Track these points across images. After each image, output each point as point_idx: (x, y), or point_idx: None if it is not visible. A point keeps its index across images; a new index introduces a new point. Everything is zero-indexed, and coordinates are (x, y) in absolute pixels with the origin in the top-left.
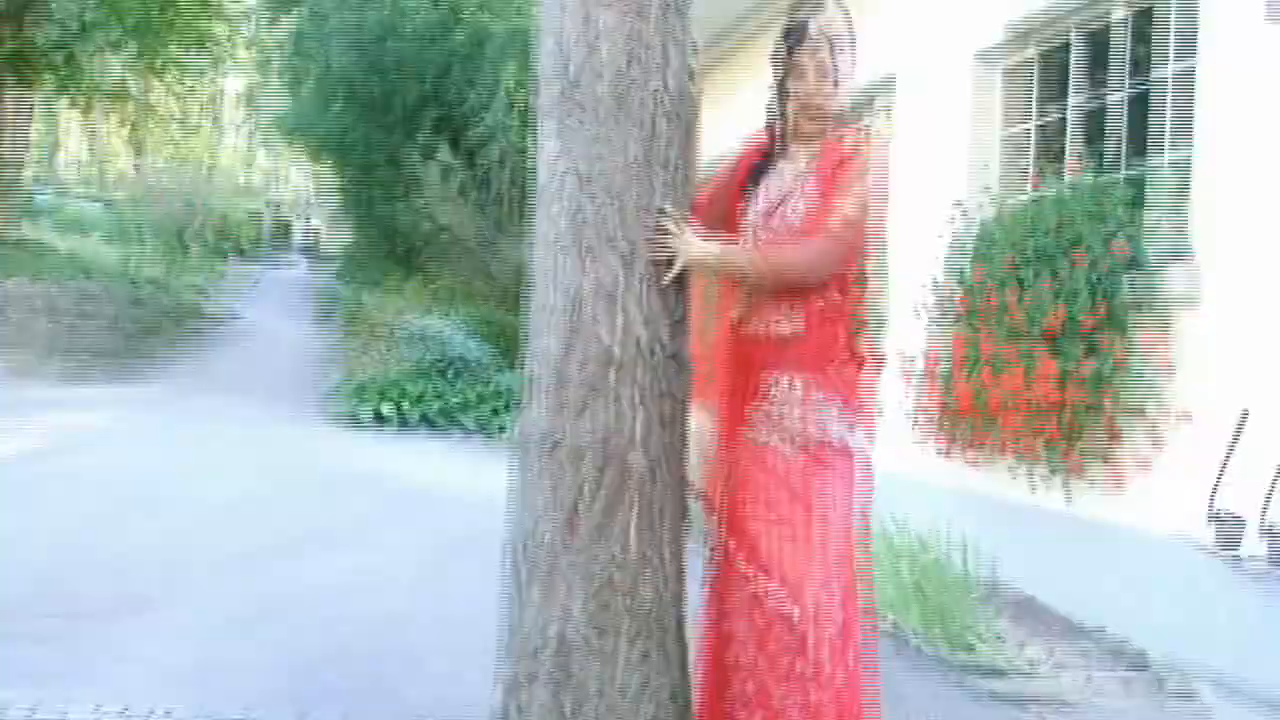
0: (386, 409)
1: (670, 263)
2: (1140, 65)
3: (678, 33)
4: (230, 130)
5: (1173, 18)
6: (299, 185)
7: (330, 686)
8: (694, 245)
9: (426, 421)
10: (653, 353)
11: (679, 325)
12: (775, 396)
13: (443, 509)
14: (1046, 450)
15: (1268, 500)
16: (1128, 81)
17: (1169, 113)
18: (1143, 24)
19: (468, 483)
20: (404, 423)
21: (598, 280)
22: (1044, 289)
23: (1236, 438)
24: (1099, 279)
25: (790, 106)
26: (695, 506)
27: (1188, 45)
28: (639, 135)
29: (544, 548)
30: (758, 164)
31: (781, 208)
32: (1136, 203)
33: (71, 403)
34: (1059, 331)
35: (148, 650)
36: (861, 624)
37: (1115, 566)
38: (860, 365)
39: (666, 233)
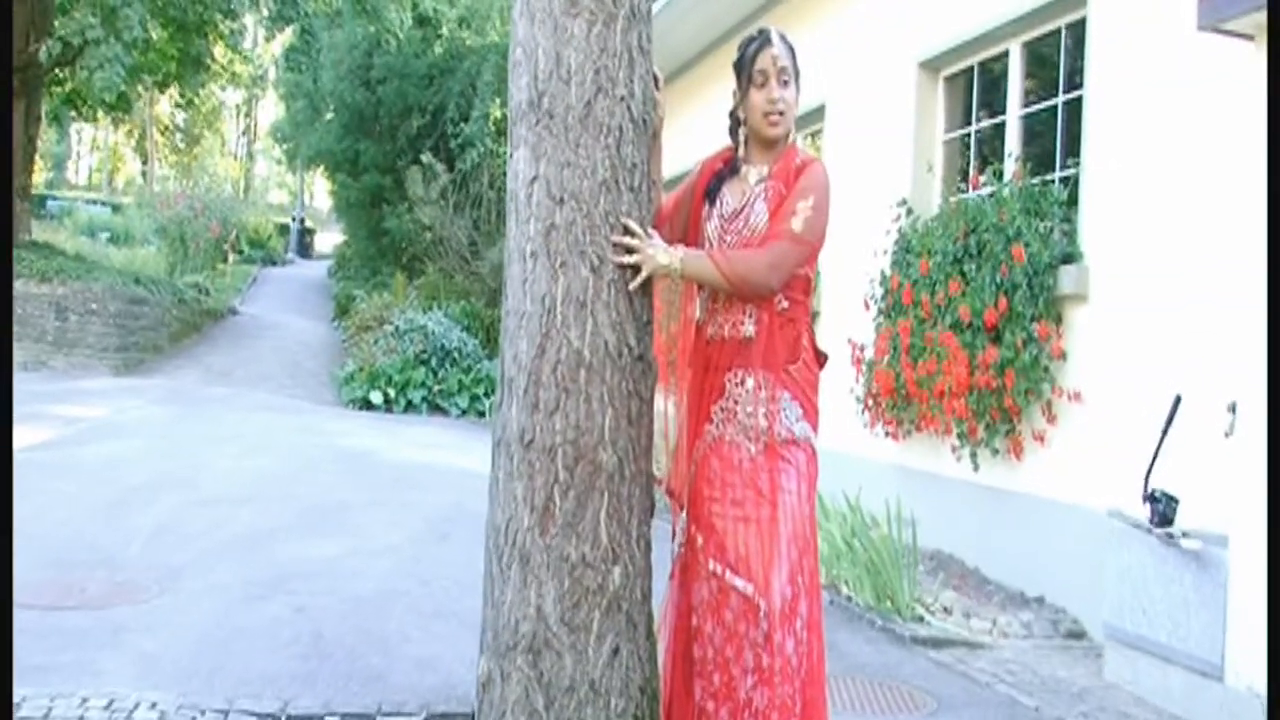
0: (376, 396)
1: (637, 270)
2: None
3: (643, 40)
4: (231, 139)
5: (1062, 54)
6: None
7: (313, 672)
8: (659, 253)
9: (412, 407)
10: (620, 355)
11: (645, 328)
12: (739, 396)
13: (428, 489)
14: (987, 431)
15: (1150, 469)
16: (1056, 95)
17: (1061, 131)
18: (1052, 49)
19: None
20: (409, 406)
21: (568, 287)
22: (985, 282)
23: (1170, 421)
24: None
25: (751, 113)
26: (661, 500)
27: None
28: (607, 143)
29: (518, 542)
30: (719, 171)
31: (744, 212)
32: (1033, 211)
33: (115, 393)
34: (996, 322)
35: (138, 641)
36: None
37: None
38: (822, 364)
39: (633, 242)
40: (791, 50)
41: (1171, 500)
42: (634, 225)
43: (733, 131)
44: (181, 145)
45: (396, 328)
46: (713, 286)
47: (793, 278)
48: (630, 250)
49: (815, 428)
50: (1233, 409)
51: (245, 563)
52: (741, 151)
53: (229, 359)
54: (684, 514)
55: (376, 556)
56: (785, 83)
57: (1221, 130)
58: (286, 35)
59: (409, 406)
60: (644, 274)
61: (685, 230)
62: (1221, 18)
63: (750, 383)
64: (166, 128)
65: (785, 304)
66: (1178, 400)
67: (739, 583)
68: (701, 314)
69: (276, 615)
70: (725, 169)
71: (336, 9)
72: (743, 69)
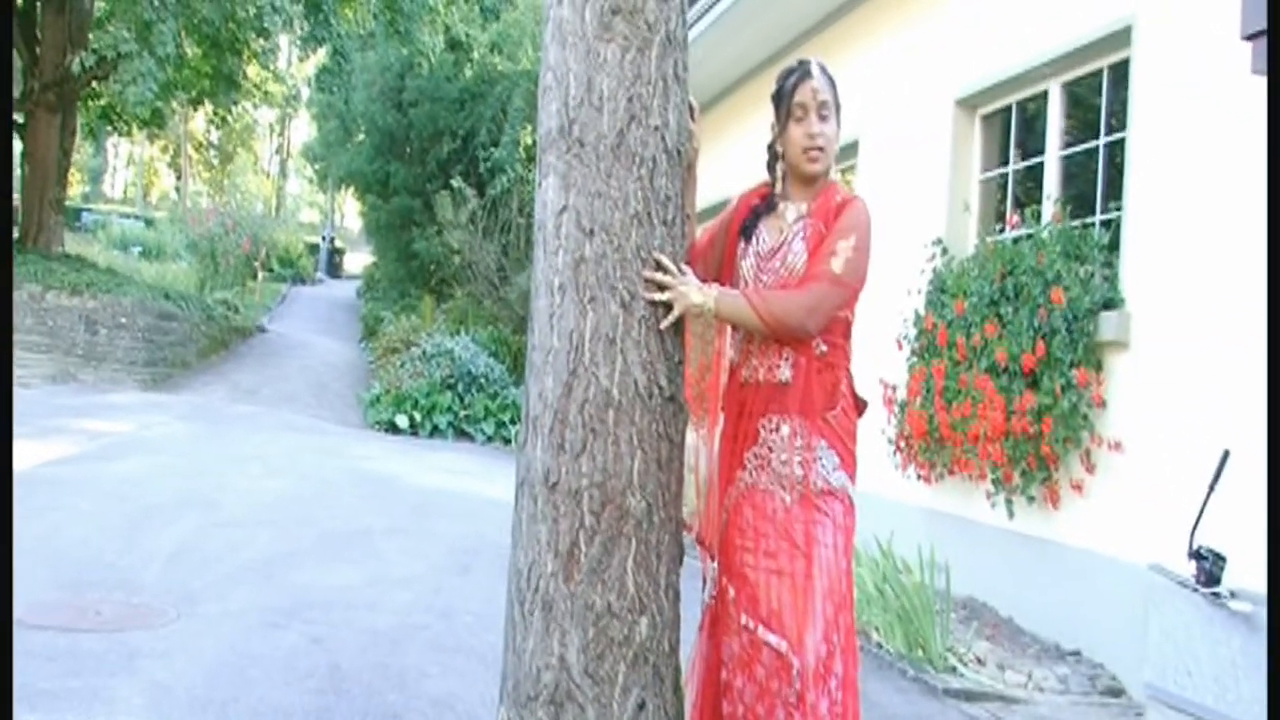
0: (401, 420)
1: (668, 308)
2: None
3: (679, 68)
4: (264, 157)
5: (1104, 94)
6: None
7: (329, 708)
8: (693, 291)
9: (438, 431)
10: (651, 396)
11: (676, 368)
12: (774, 443)
13: (452, 518)
14: (1023, 478)
15: (1195, 525)
16: (1099, 136)
17: (1102, 173)
18: (1096, 87)
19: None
20: (435, 431)
21: (597, 323)
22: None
23: (1217, 477)
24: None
25: (790, 148)
26: (691, 547)
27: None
28: (639, 174)
29: (541, 588)
30: (756, 207)
31: (781, 251)
32: (1073, 255)
33: (141, 408)
34: (1034, 367)
35: (151, 668)
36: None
37: (1054, 577)
38: (861, 411)
39: (666, 278)
40: (832, 83)
41: (1219, 559)
42: (666, 261)
43: (770, 166)
44: (215, 162)
45: (424, 351)
46: (747, 328)
47: (832, 321)
48: (662, 287)
49: (853, 478)
50: None
51: (263, 588)
52: (779, 187)
53: (256, 377)
54: (714, 564)
55: (396, 587)
56: (825, 117)
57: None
58: (319, 55)
59: (434, 431)
60: (676, 312)
61: (719, 268)
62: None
63: (785, 430)
64: (201, 144)
65: (824, 348)
66: (1225, 455)
67: (772, 639)
68: (735, 356)
69: (293, 645)
70: (762, 205)
71: (369, 31)
72: (781, 101)
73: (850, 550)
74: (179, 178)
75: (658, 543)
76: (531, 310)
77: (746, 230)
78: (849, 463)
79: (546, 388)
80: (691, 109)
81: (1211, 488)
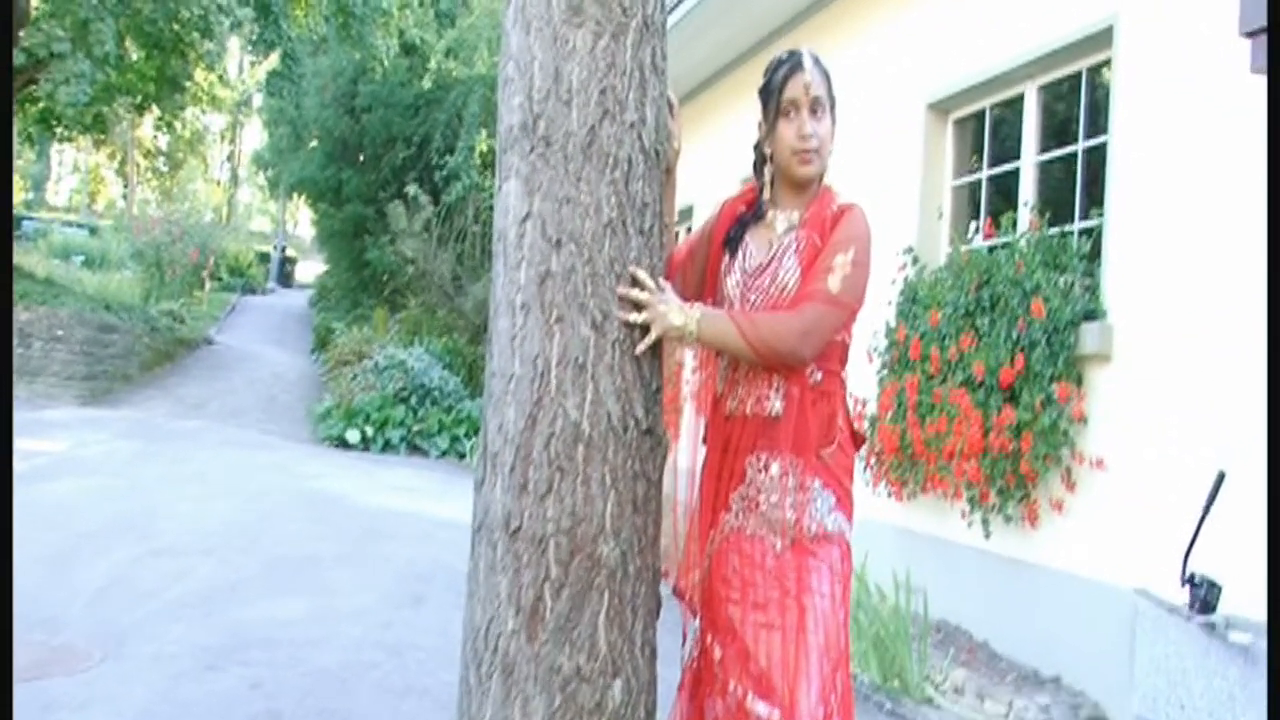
0: (353, 435)
1: (645, 329)
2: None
3: (657, 58)
4: (215, 164)
5: (1083, 103)
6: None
7: None
8: (673, 311)
9: (390, 446)
10: (626, 429)
11: (654, 397)
12: (762, 483)
13: (404, 540)
14: (1000, 497)
15: (1189, 550)
16: (1079, 139)
17: (1081, 180)
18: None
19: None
20: (387, 446)
21: (565, 347)
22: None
23: (1212, 499)
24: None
25: (779, 149)
26: (670, 599)
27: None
28: (613, 176)
29: (501, 648)
30: (741, 216)
31: (771, 266)
32: (1052, 264)
33: (78, 425)
34: (1012, 381)
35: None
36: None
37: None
38: (859, 446)
39: (643, 296)
40: (826, 76)
41: (1214, 586)
42: (644, 276)
43: (757, 169)
44: (164, 169)
45: (376, 363)
46: (733, 354)
47: (828, 345)
48: (639, 306)
49: (851, 519)
50: None
51: (200, 625)
52: (767, 193)
53: (201, 390)
54: (696, 620)
55: (344, 620)
56: (819, 114)
57: (1263, 181)
58: (272, 60)
59: (387, 446)
60: (654, 334)
61: (700, 284)
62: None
63: (776, 468)
64: (149, 151)
65: (819, 376)
66: (1221, 477)
67: (761, 708)
68: (720, 386)
69: (230, 690)
70: (749, 213)
71: (322, 36)
72: (770, 97)
73: (848, 599)
74: (126, 185)
75: (633, 595)
76: (490, 332)
77: (731, 242)
78: (846, 503)
79: (507, 420)
80: (670, 104)
81: (1206, 511)
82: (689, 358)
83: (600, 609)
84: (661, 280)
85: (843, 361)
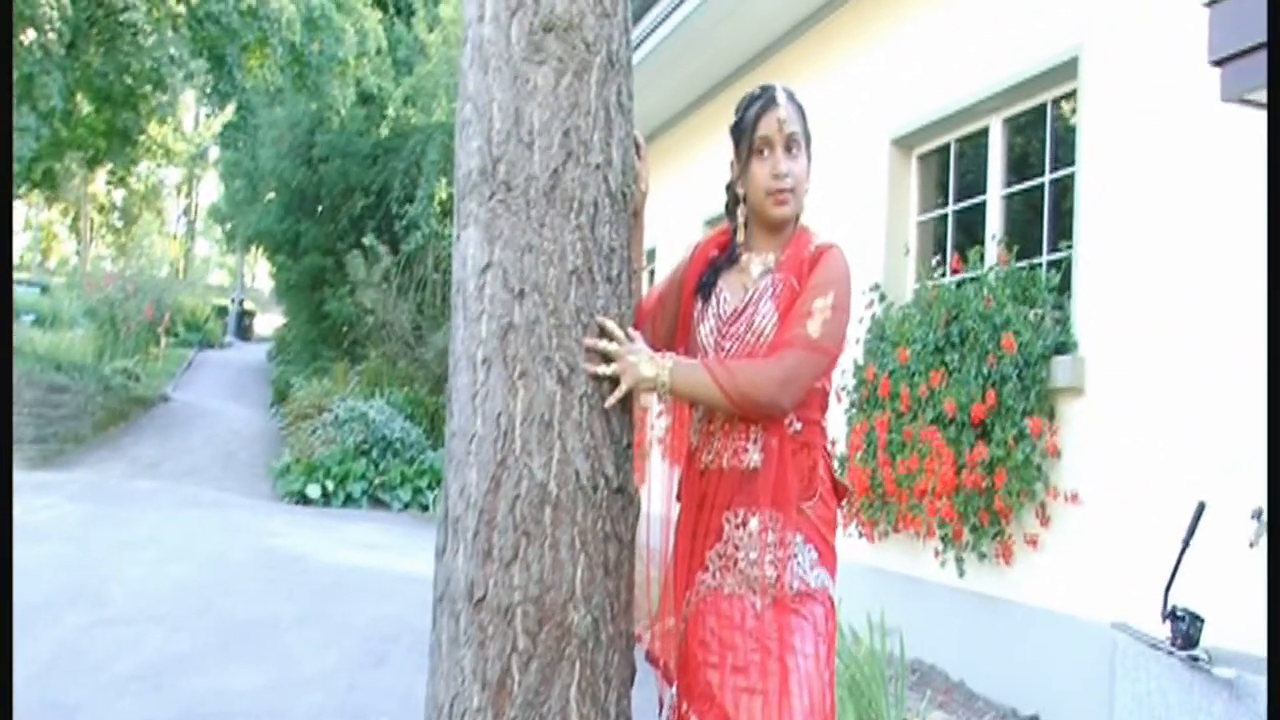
0: (313, 490)
1: (615, 382)
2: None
3: (623, 96)
4: (171, 219)
5: (1049, 136)
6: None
7: None
8: (643, 362)
9: (352, 500)
10: (595, 488)
11: (625, 454)
12: (740, 539)
13: (365, 596)
14: (974, 534)
15: (1170, 583)
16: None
17: (1049, 212)
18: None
19: (386, 567)
20: (348, 500)
21: (530, 403)
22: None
23: (1192, 531)
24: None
25: (753, 190)
26: (643, 664)
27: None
28: (578, 221)
29: None
30: (714, 260)
31: (746, 312)
32: (1021, 298)
33: (27, 489)
34: (984, 417)
35: None
36: None
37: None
38: (842, 498)
39: (611, 347)
40: (801, 111)
41: (1196, 619)
42: (612, 326)
43: (730, 210)
44: (119, 224)
45: (336, 416)
46: (708, 405)
47: (808, 393)
48: (608, 357)
49: (834, 574)
50: (1258, 516)
51: (151, 699)
52: (741, 235)
53: (157, 450)
54: (673, 689)
55: (304, 687)
56: (794, 152)
57: (1235, 208)
58: (228, 112)
59: (348, 500)
60: (624, 387)
61: (671, 332)
62: (1249, 87)
63: (755, 524)
64: (103, 206)
65: (798, 426)
66: (1201, 507)
67: None
68: (694, 439)
69: None
70: (722, 257)
71: (278, 86)
72: (742, 135)
73: (834, 659)
74: (80, 242)
75: (606, 665)
76: (450, 389)
77: (704, 288)
78: (829, 558)
79: (469, 482)
80: (637, 145)
81: (1186, 543)
82: (654, 402)
83: (571, 681)
84: (631, 330)
85: (823, 409)
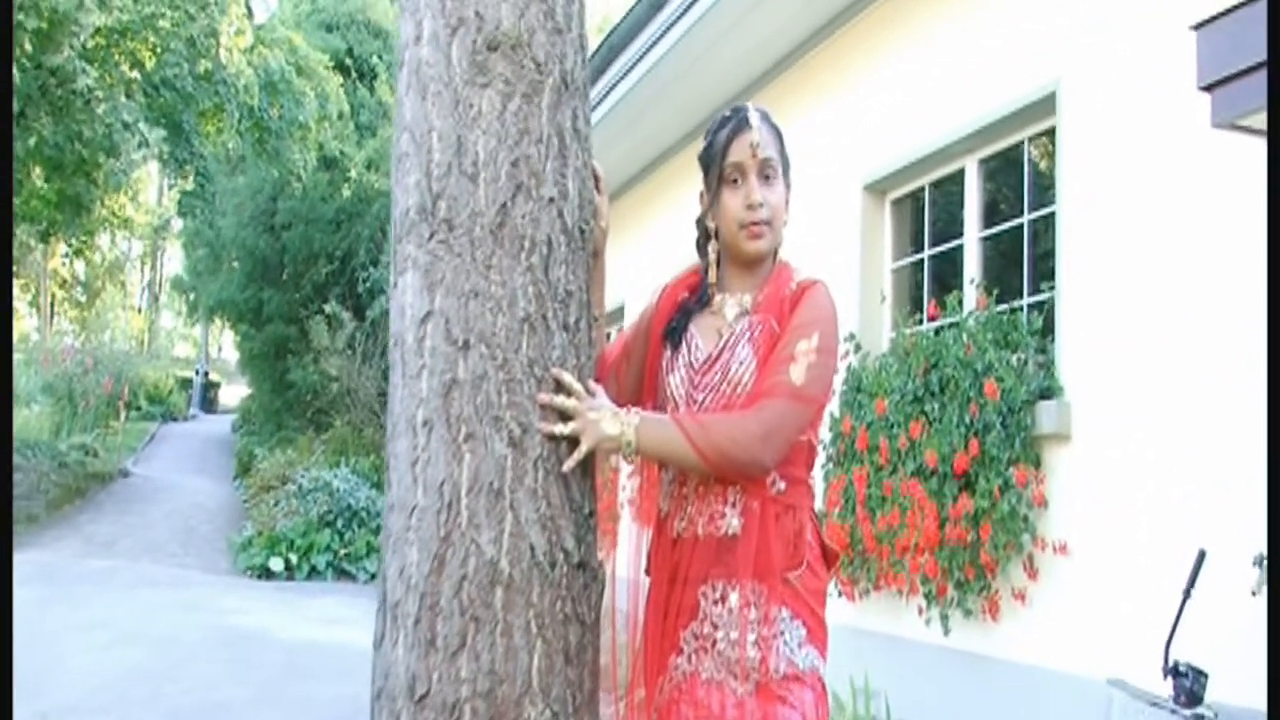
0: (276, 563)
1: (574, 442)
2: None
3: (578, 121)
4: (136, 291)
5: (1027, 172)
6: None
7: None
8: (605, 419)
9: (316, 573)
10: (554, 564)
11: (586, 523)
12: (719, 617)
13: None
14: (959, 590)
15: (1170, 637)
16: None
17: (1028, 253)
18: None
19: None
20: (313, 572)
21: (477, 470)
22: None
23: (1193, 581)
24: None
25: (724, 222)
26: None
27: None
28: (529, 262)
29: None
30: (684, 302)
31: (721, 359)
32: (1003, 343)
33: None
34: (967, 467)
35: None
36: None
37: (996, 696)
38: (831, 564)
39: (569, 403)
40: (777, 134)
41: (1200, 674)
42: (569, 379)
43: (701, 246)
44: (82, 299)
45: (300, 487)
46: (680, 466)
47: (792, 448)
48: (565, 415)
49: (824, 652)
50: (1259, 562)
51: None
52: (713, 274)
53: (114, 527)
54: None
55: None
56: (770, 179)
57: (1224, 242)
58: (187, 181)
59: (312, 573)
60: (584, 448)
61: (638, 385)
62: (1240, 112)
63: (735, 599)
64: (65, 281)
65: (782, 485)
66: (1201, 556)
67: None
68: (664, 504)
69: None
70: (693, 300)
71: (240, 155)
72: (711, 162)
73: None
74: (40, 317)
75: None
76: (388, 456)
77: (673, 334)
78: (819, 634)
79: (410, 562)
80: (596, 176)
81: (1187, 593)
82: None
83: None
84: (591, 383)
85: (809, 466)
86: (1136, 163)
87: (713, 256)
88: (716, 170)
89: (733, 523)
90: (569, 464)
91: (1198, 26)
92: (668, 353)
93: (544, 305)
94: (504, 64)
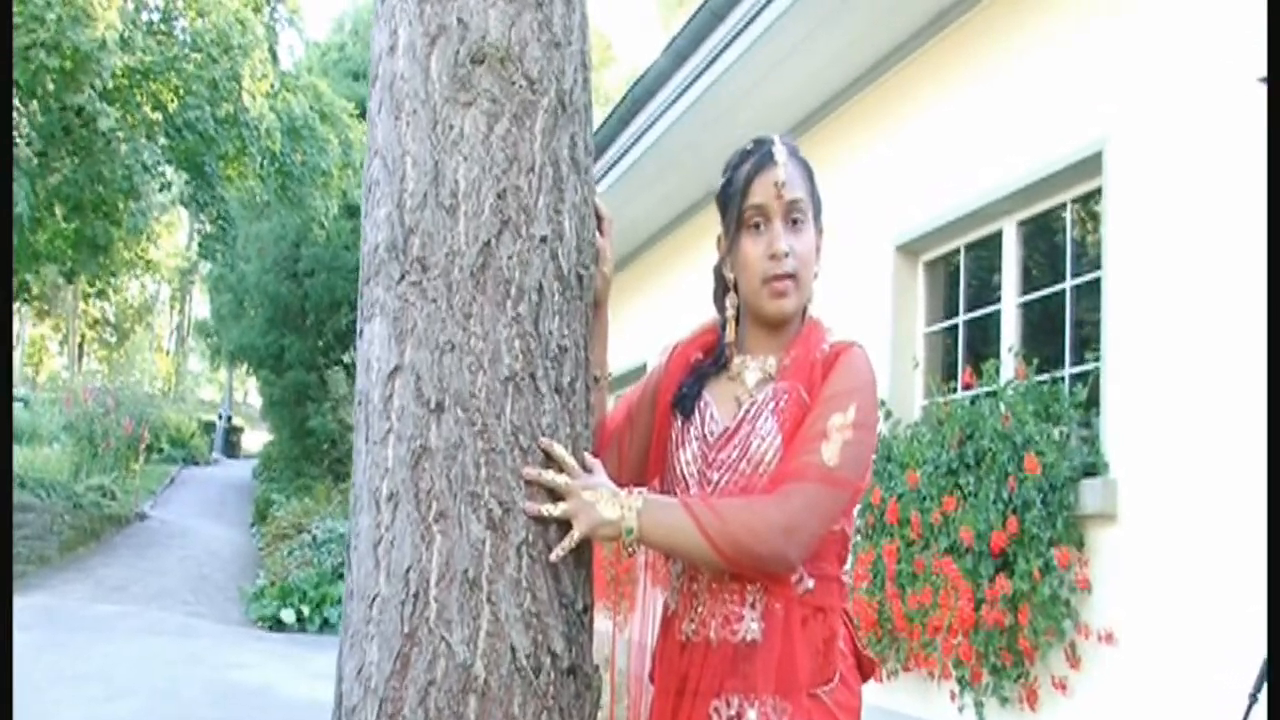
0: (288, 614)
1: (565, 526)
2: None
3: (577, 151)
4: (166, 334)
5: (1069, 238)
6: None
7: None
8: (603, 501)
9: (329, 626)
10: (538, 670)
11: (579, 621)
12: None
13: None
14: (994, 676)
15: None
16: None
17: (1070, 321)
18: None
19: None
20: (325, 625)
21: (449, 555)
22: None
23: (1261, 684)
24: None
25: (745, 275)
26: None
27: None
28: (516, 312)
29: None
30: (698, 365)
31: (741, 432)
32: (1044, 415)
33: None
34: (1005, 546)
35: None
36: None
37: None
38: (868, 676)
39: (559, 480)
40: (807, 171)
41: None
42: (561, 451)
43: (718, 300)
44: (111, 340)
45: (314, 537)
46: (691, 559)
47: (823, 540)
48: (556, 494)
49: None
50: None
51: None
52: (731, 333)
53: (126, 571)
54: None
55: None
56: (798, 224)
57: None
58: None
59: (325, 626)
60: (577, 534)
61: (643, 459)
62: None
63: (753, 716)
64: (96, 321)
65: (810, 584)
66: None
67: None
68: (672, 600)
69: None
70: (707, 362)
71: (264, 200)
72: (730, 203)
73: None
74: (70, 357)
75: None
76: (349, 533)
77: (685, 401)
78: None
79: (369, 662)
80: (599, 215)
81: (1254, 697)
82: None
83: None
84: (588, 457)
85: (841, 560)
86: (1188, 226)
87: (730, 312)
88: (735, 212)
89: (752, 627)
90: (557, 552)
91: (1265, 79)
92: (678, 423)
93: (532, 362)
94: (490, 80)
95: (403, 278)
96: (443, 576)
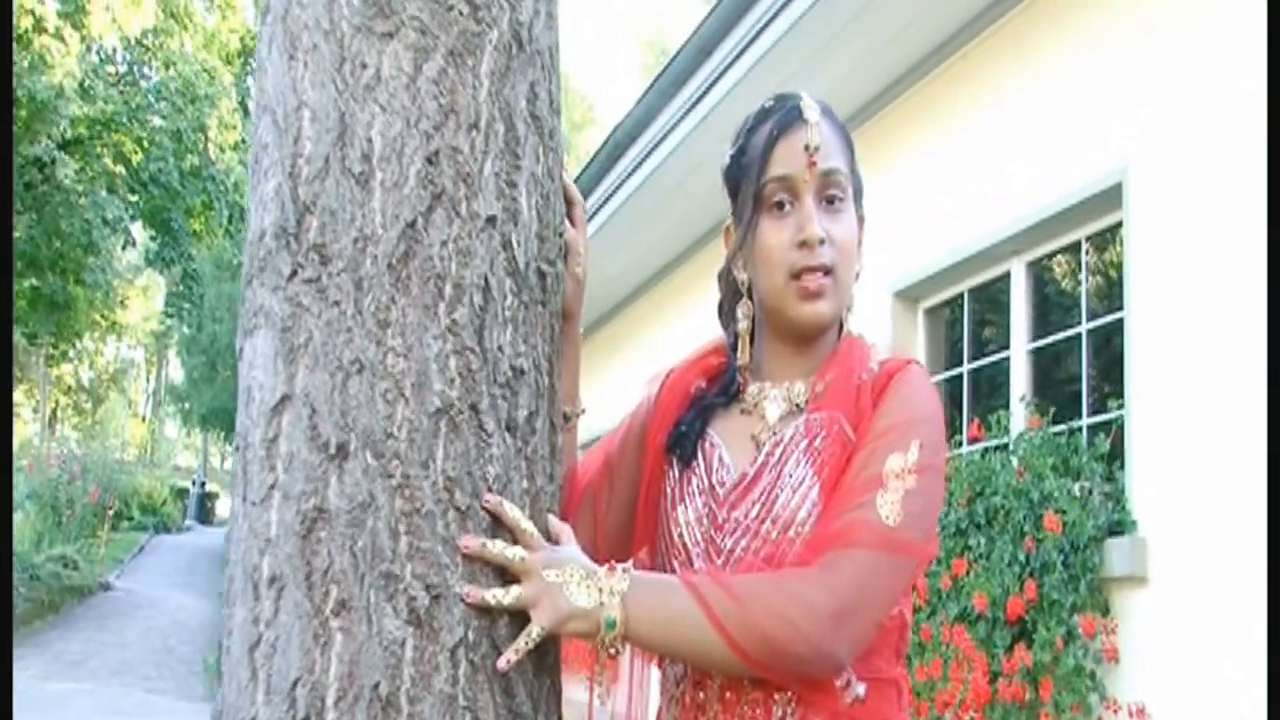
0: None
1: (521, 619)
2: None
3: (540, 104)
4: (141, 400)
5: (1086, 273)
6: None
7: None
8: (573, 582)
9: None
10: None
11: None
12: None
13: None
14: None
15: None
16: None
17: (1086, 367)
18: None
19: None
20: None
21: (353, 663)
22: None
23: None
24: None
25: (764, 272)
26: None
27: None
28: (451, 320)
29: None
30: (700, 394)
31: (762, 481)
32: (1062, 470)
33: None
34: (1022, 613)
35: None
36: None
37: None
38: None
39: (511, 554)
40: (846, 137)
41: None
42: (515, 513)
43: (727, 310)
44: (86, 406)
45: None
46: (698, 660)
47: (881, 628)
48: (508, 574)
49: None
50: None
51: None
52: (745, 353)
53: (85, 645)
54: None
55: None
56: (835, 202)
57: None
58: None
59: None
60: (536, 630)
61: (627, 523)
62: None
63: None
64: (69, 387)
65: (860, 690)
66: None
67: None
68: (669, 714)
69: None
70: (713, 391)
71: (236, 260)
72: (743, 178)
73: None
74: (42, 422)
75: None
76: (223, 629)
77: (683, 444)
78: None
79: None
80: (568, 197)
81: None
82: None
83: None
84: (553, 521)
85: (900, 655)
86: (1218, 261)
87: (744, 325)
88: (752, 189)
89: None
90: (509, 657)
91: None
92: (675, 473)
93: (474, 390)
94: (419, 4)
95: (294, 274)
96: (344, 693)
